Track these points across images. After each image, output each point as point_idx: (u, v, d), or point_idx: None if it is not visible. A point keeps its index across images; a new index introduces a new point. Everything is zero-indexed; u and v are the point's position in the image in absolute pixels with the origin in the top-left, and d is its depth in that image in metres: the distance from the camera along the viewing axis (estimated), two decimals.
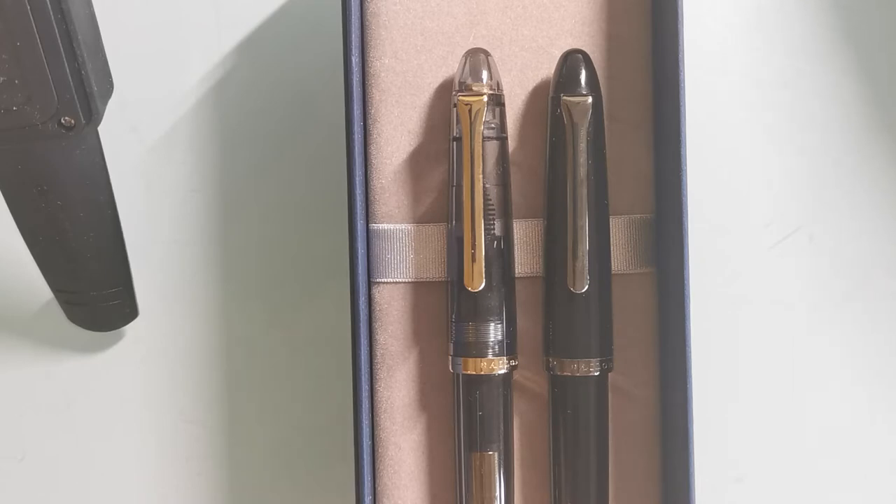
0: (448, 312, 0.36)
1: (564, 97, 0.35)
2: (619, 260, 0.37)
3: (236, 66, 0.42)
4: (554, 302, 0.36)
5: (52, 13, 0.30)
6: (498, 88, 0.36)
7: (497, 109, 0.35)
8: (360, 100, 0.36)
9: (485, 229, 0.35)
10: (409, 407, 0.37)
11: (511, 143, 0.37)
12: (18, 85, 0.31)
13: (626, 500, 0.37)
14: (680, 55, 0.34)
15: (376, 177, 0.37)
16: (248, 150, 0.42)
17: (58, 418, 0.42)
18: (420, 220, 0.37)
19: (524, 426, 0.37)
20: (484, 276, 0.35)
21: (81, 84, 0.32)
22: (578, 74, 0.35)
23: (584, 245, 0.35)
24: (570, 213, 0.35)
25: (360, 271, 0.35)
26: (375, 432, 0.37)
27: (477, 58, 0.35)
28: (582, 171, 0.35)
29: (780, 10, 0.43)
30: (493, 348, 0.35)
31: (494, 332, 0.35)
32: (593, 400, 0.36)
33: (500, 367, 0.35)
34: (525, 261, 0.37)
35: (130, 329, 0.42)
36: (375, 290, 0.37)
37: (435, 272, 0.37)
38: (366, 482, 0.35)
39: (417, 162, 0.37)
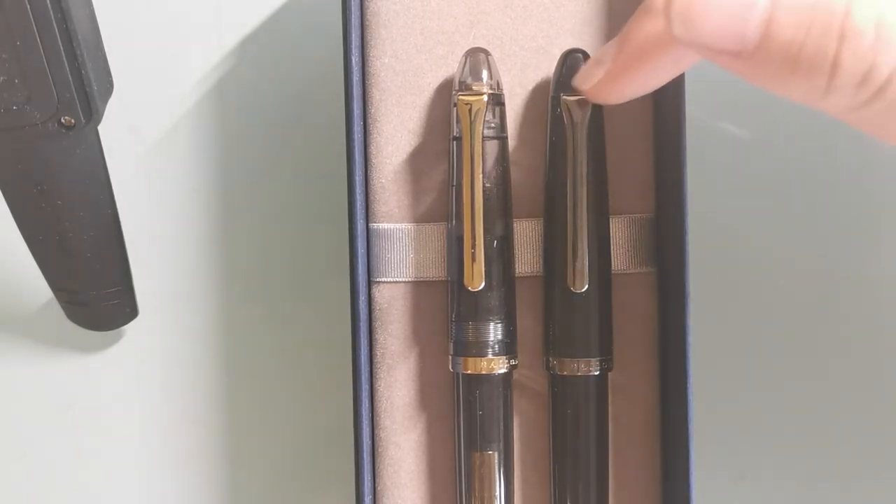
0: (448, 312, 0.36)
1: (564, 97, 0.35)
2: (619, 260, 0.37)
3: (236, 66, 0.42)
4: (554, 301, 0.36)
5: (52, 13, 0.30)
6: (498, 88, 0.36)
7: (497, 109, 0.35)
8: (360, 99, 0.36)
9: (485, 229, 0.35)
10: (409, 407, 0.37)
11: (511, 143, 0.37)
12: (18, 85, 0.31)
13: (626, 500, 0.37)
14: None
15: (376, 177, 0.37)
16: (248, 150, 0.42)
17: (58, 418, 0.42)
18: (420, 219, 0.37)
19: (524, 425, 0.37)
20: (484, 275, 0.35)
21: (81, 84, 0.32)
22: None
23: (584, 245, 0.35)
24: (570, 212, 0.35)
25: (360, 271, 0.35)
26: (375, 432, 0.37)
27: (477, 57, 0.35)
28: (582, 171, 0.35)
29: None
30: (493, 348, 0.35)
31: (494, 331, 0.35)
32: (593, 399, 0.36)
33: (500, 366, 0.35)
34: (525, 260, 0.37)
35: (130, 329, 0.42)
36: (375, 290, 0.37)
37: (435, 272, 0.37)
38: (366, 482, 0.35)
39: (417, 162, 0.37)
